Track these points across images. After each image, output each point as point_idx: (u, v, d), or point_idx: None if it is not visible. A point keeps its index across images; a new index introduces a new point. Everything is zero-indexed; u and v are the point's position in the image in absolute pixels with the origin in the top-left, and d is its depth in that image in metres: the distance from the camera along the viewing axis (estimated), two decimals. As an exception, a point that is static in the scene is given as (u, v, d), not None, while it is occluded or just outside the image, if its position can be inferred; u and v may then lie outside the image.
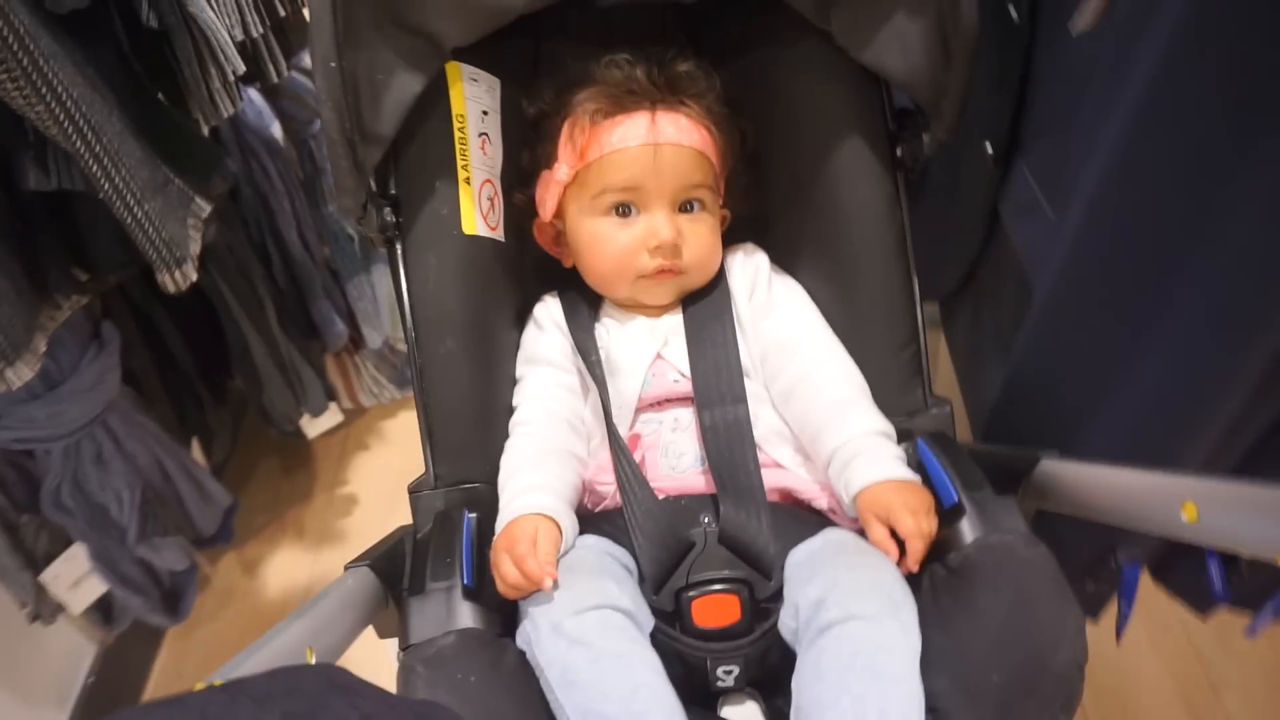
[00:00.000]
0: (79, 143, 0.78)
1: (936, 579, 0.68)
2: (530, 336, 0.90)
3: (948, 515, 0.70)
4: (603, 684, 0.63)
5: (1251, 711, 1.32)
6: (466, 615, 0.68)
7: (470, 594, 0.69)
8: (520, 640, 0.69)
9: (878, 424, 0.78)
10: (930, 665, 0.63)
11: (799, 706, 0.63)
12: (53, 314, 0.90)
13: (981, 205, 1.04)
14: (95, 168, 0.80)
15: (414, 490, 0.82)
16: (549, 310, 0.90)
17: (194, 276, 0.89)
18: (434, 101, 0.82)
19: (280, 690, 0.38)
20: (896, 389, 0.85)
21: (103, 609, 1.36)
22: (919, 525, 0.68)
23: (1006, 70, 0.92)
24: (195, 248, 0.91)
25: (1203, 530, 0.55)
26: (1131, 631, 1.41)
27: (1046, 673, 0.60)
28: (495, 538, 0.73)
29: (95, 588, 1.27)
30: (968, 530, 0.68)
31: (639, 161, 0.82)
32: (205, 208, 0.94)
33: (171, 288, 0.88)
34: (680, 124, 0.84)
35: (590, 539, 0.76)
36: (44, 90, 0.74)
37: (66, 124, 0.77)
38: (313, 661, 0.58)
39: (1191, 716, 1.33)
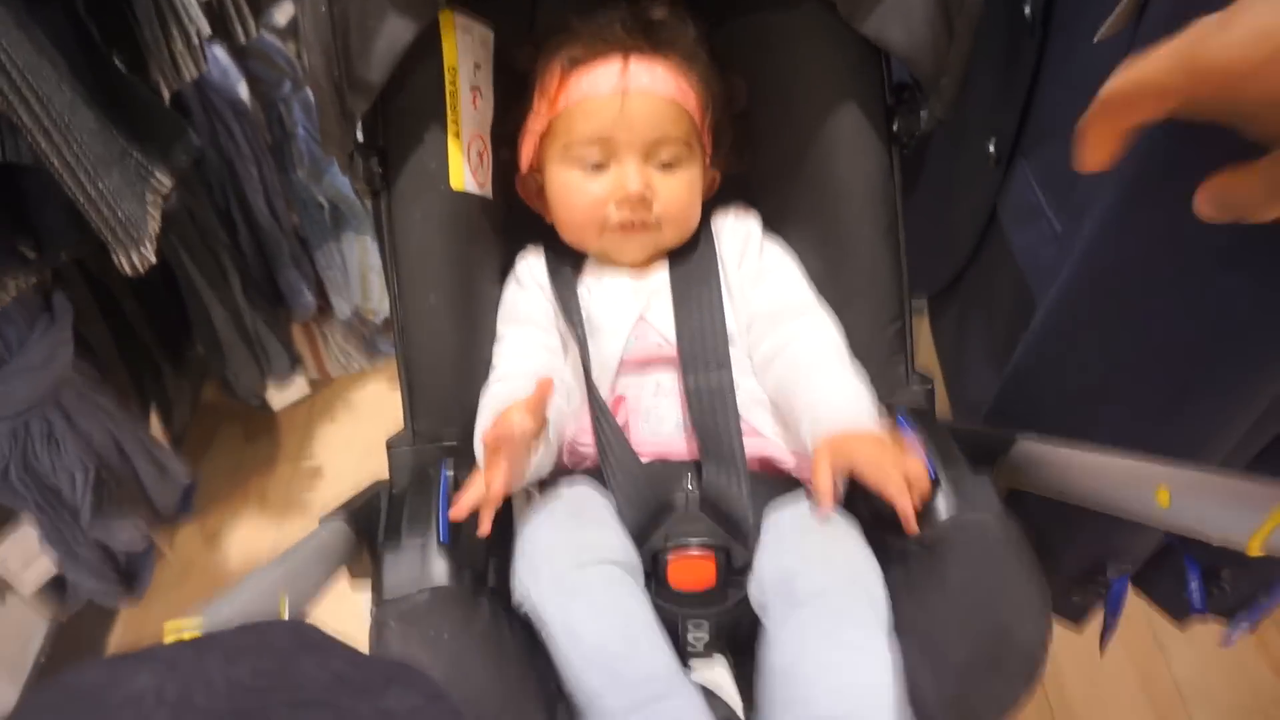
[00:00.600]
0: (25, 115, 0.72)
1: (910, 553, 0.69)
2: (511, 294, 0.89)
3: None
4: (605, 638, 0.64)
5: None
6: (441, 572, 0.67)
7: (445, 550, 0.69)
8: (519, 591, 0.69)
9: (855, 382, 0.78)
10: (899, 636, 0.65)
11: (768, 675, 0.64)
12: (-2, 294, 0.84)
13: (979, 205, 1.02)
14: (43, 142, 0.74)
15: (392, 445, 0.81)
16: (530, 267, 0.89)
17: (152, 258, 0.83)
18: (426, 52, 0.79)
19: (250, 646, 0.38)
20: (879, 364, 0.84)
21: (56, 588, 1.31)
22: (890, 471, 0.66)
23: (1015, 68, 0.88)
24: (154, 226, 0.85)
25: (1174, 515, 0.56)
26: (1097, 624, 1.44)
27: (1012, 648, 0.61)
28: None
29: (47, 568, 1.23)
30: (942, 506, 0.68)
31: (608, 110, 0.80)
32: (166, 183, 0.88)
33: (128, 269, 0.82)
34: (655, 72, 0.81)
35: (577, 483, 0.77)
36: (-15, 58, 0.68)
37: (11, 94, 0.71)
38: (286, 612, 0.58)
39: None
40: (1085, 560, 0.87)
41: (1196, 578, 0.88)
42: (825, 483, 0.69)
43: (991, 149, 0.95)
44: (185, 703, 0.33)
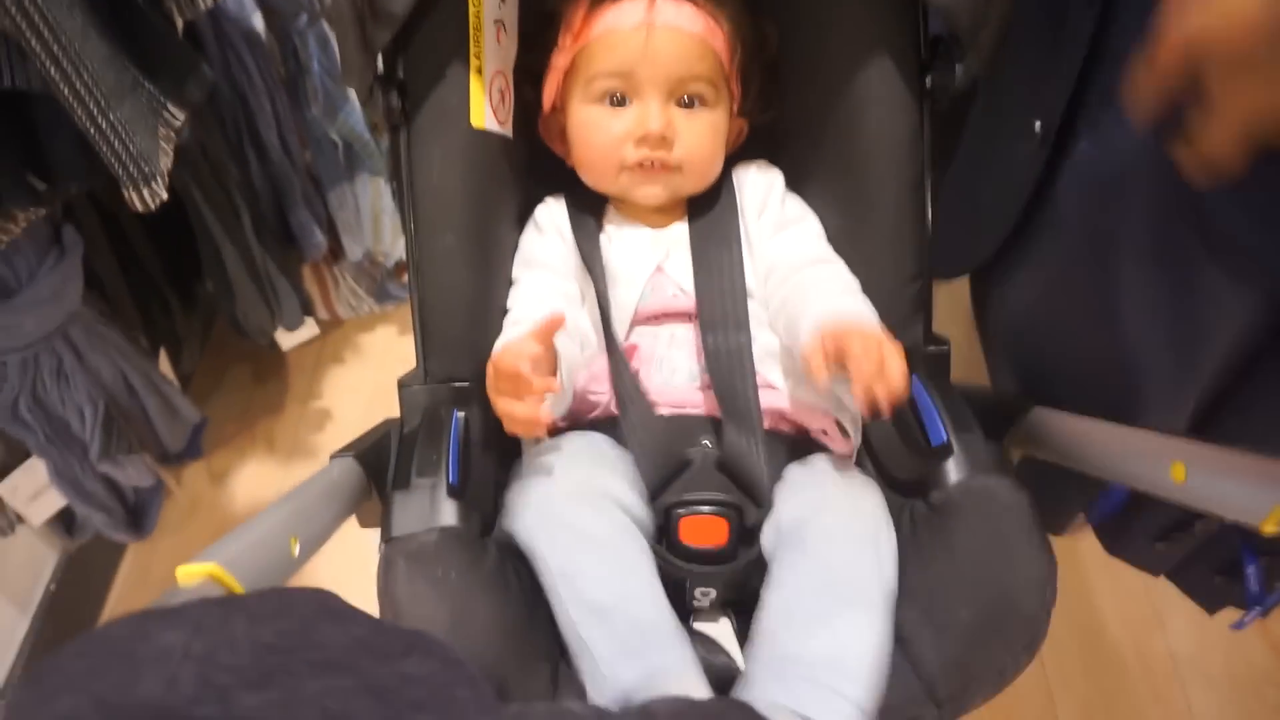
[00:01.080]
0: (34, 41, 0.69)
1: (917, 515, 0.71)
2: (530, 239, 0.88)
3: (935, 453, 0.72)
4: (598, 573, 0.65)
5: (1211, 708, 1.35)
6: (449, 513, 0.68)
7: (454, 492, 0.70)
8: (517, 526, 0.70)
9: (861, 298, 0.78)
10: (903, 597, 0.66)
11: (767, 616, 0.65)
12: (5, 226, 0.82)
13: (1021, 187, 0.97)
14: (53, 69, 0.71)
15: (404, 384, 0.81)
16: (551, 213, 0.88)
17: (164, 195, 0.81)
18: None
19: (273, 610, 0.39)
20: (898, 323, 0.83)
21: (64, 520, 1.32)
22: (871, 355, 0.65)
23: (1066, 40, 0.83)
24: (167, 162, 0.83)
25: (1189, 490, 0.56)
26: (1097, 597, 1.44)
27: (1014, 614, 0.62)
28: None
29: (55, 500, 1.23)
30: (953, 470, 0.70)
31: (631, 43, 0.79)
32: (178, 117, 0.86)
33: (139, 206, 0.80)
34: (683, 9, 0.80)
35: (591, 434, 0.77)
36: (-8, -22, 0.65)
37: (19, 18, 0.68)
38: (296, 550, 0.59)
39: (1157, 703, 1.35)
40: (1231, 547, 0.88)
41: (1256, 568, 0.87)
42: (817, 360, 0.68)
43: (1038, 129, 0.88)
44: (210, 659, 0.34)
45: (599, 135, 0.82)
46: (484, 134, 0.81)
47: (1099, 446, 0.67)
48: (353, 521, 0.74)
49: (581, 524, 0.67)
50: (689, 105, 0.81)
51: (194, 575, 0.50)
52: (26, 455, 1.17)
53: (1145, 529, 0.91)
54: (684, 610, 0.72)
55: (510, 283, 0.87)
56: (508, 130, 0.85)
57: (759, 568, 0.72)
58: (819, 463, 0.76)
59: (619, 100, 0.81)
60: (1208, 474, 0.56)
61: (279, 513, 0.61)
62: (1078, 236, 0.84)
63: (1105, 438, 0.66)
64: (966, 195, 0.98)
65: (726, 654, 0.69)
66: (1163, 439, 0.60)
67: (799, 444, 0.79)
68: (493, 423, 0.82)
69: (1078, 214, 0.83)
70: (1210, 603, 0.92)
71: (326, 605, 0.42)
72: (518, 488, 0.72)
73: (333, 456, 0.73)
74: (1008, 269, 0.96)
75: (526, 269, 0.86)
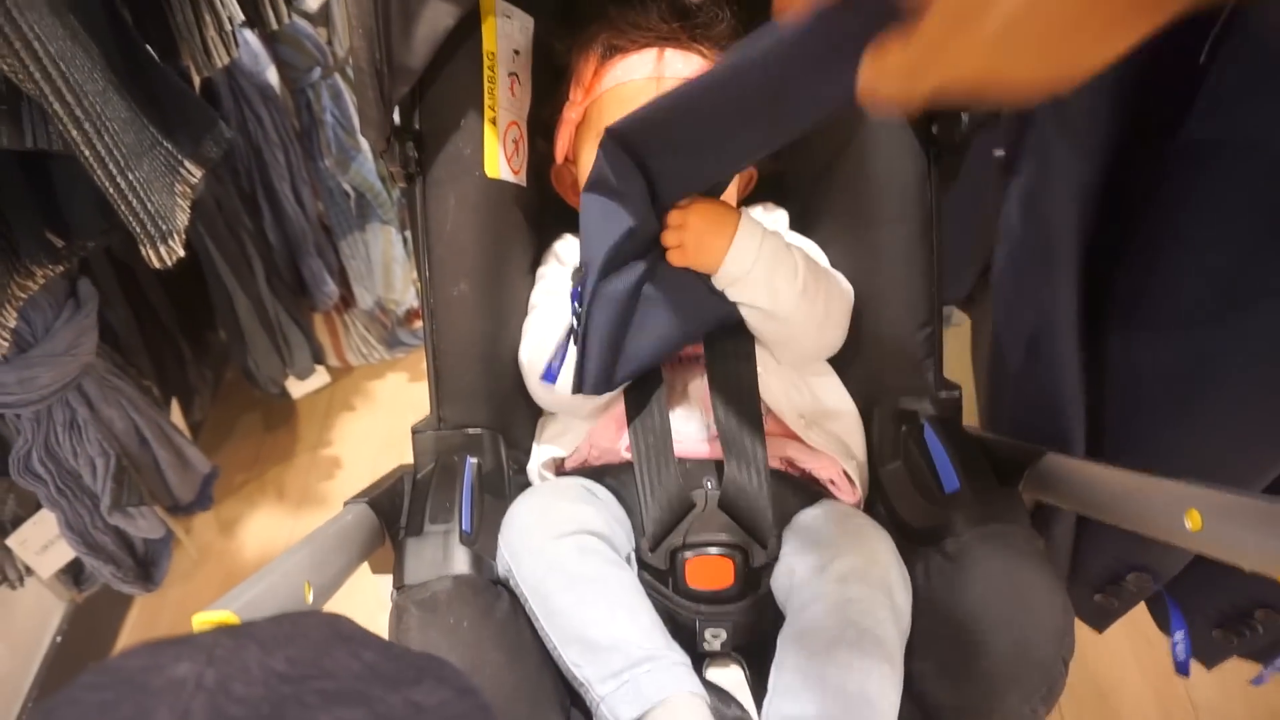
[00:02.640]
0: (57, 104, 0.70)
1: (932, 564, 0.69)
2: (553, 270, 0.88)
3: (948, 501, 0.71)
4: (581, 609, 0.64)
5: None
6: (462, 560, 0.68)
7: (467, 540, 0.70)
8: (500, 569, 0.70)
9: None
10: (917, 647, 0.65)
11: (780, 665, 0.64)
12: (24, 283, 0.83)
13: (995, 212, 1.00)
14: (75, 132, 0.72)
15: (417, 430, 0.82)
16: (572, 248, 0.89)
17: (180, 251, 0.82)
18: (465, 36, 0.79)
19: (285, 636, 0.38)
20: (909, 368, 0.84)
21: (72, 571, 1.31)
22: None
23: None
24: (184, 218, 0.84)
25: (1205, 539, 0.55)
26: (1115, 645, 1.42)
27: (1032, 664, 0.61)
28: None
29: (65, 551, 1.22)
30: (967, 518, 0.69)
31: (642, 97, 0.78)
32: (195, 174, 0.87)
33: (156, 263, 0.81)
34: (691, 60, 0.82)
35: (575, 477, 0.78)
36: (17, 44, 0.66)
37: (44, 83, 0.69)
38: (310, 596, 0.59)
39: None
40: (1108, 560, 0.86)
41: (1184, 636, 0.86)
42: None
43: (998, 153, 0.93)
44: (223, 689, 0.34)
45: None
46: (498, 183, 0.82)
47: (1112, 493, 0.66)
48: (364, 568, 0.73)
49: (570, 564, 0.67)
50: None
51: (209, 624, 0.50)
52: (37, 507, 1.17)
53: (1085, 575, 0.90)
54: (695, 654, 0.71)
55: (523, 328, 0.87)
56: (521, 179, 0.86)
57: (769, 609, 0.72)
58: (830, 509, 0.75)
59: None
60: (1225, 521, 0.55)
61: (293, 559, 0.60)
62: (1026, 255, 0.86)
63: (1119, 484, 0.65)
64: (961, 224, 1.00)
65: (739, 705, 0.69)
66: (1177, 485, 0.58)
67: (807, 491, 0.79)
68: (505, 469, 0.82)
69: (1022, 233, 0.85)
70: (1209, 657, 0.90)
71: (338, 629, 0.41)
72: (506, 532, 0.72)
73: (346, 503, 0.73)
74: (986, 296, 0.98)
75: (548, 296, 0.87)
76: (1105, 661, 1.41)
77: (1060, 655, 0.61)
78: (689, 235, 0.72)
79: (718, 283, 0.76)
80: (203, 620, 0.50)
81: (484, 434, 0.82)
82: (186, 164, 0.87)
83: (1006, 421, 0.95)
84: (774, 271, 0.76)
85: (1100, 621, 0.93)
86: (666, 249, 0.73)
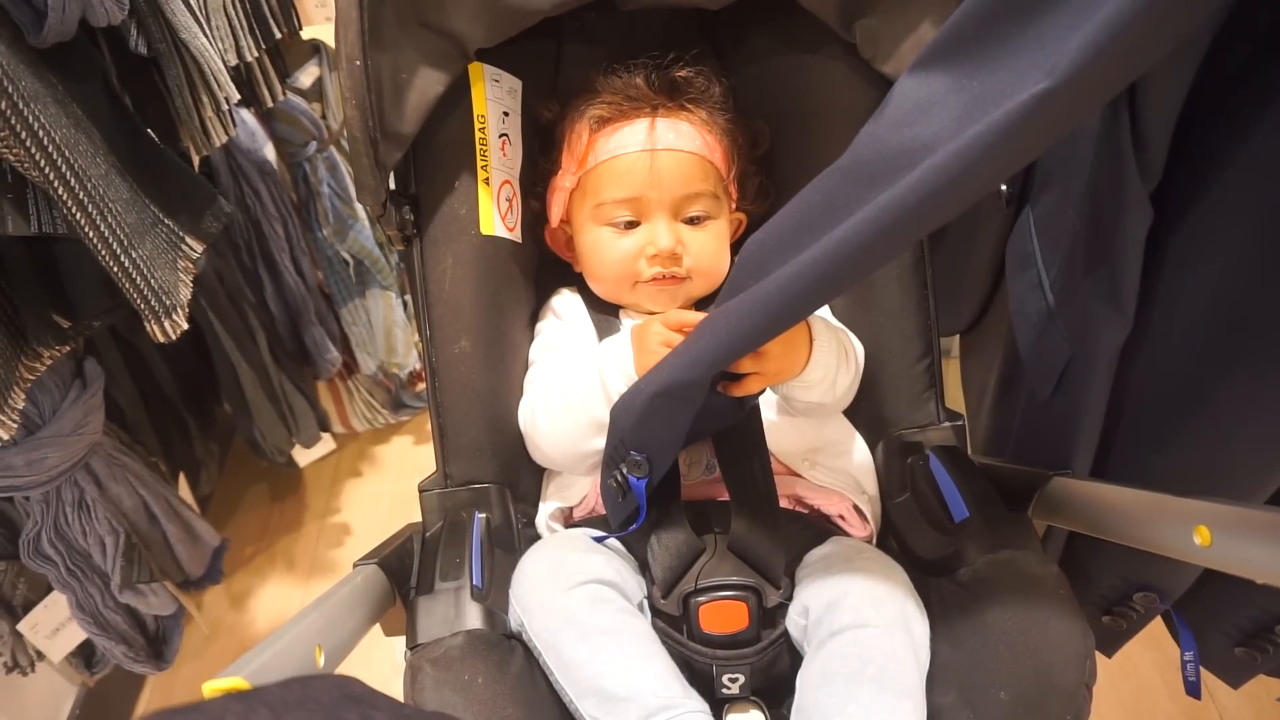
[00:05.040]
0: (62, 190, 0.72)
1: (946, 594, 0.69)
2: (549, 325, 0.90)
3: (959, 530, 0.71)
4: (596, 661, 0.63)
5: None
6: (474, 616, 0.68)
7: (479, 595, 0.70)
8: (513, 623, 0.69)
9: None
10: (938, 679, 0.64)
11: (801, 706, 0.63)
12: (32, 365, 0.84)
13: (994, 245, 1.01)
14: (79, 214, 0.74)
15: (424, 489, 0.82)
16: (568, 303, 0.90)
17: (184, 325, 0.83)
18: (456, 101, 0.82)
19: (295, 700, 0.38)
20: (910, 401, 0.85)
21: (84, 653, 1.30)
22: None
23: None
24: (186, 293, 0.86)
25: (1215, 554, 0.55)
26: (1144, 671, 1.39)
27: (1054, 691, 0.60)
28: None
29: (76, 634, 1.21)
30: (978, 546, 0.69)
31: (636, 168, 0.82)
32: (197, 249, 0.89)
33: (160, 338, 0.82)
34: (681, 129, 0.83)
35: (581, 529, 0.78)
36: (24, 135, 0.69)
37: (48, 170, 0.71)
38: (321, 659, 0.58)
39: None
40: (1114, 580, 0.85)
41: (1192, 650, 0.85)
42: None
43: (1003, 187, 0.95)
44: None
45: (612, 254, 0.85)
46: (494, 240, 0.84)
47: (1121, 513, 0.66)
48: (376, 631, 0.73)
49: (583, 615, 0.66)
50: (693, 219, 0.84)
51: (219, 690, 0.50)
52: (47, 590, 1.16)
53: (1091, 597, 0.89)
54: (714, 700, 0.70)
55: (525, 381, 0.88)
56: (517, 236, 0.87)
57: (787, 651, 0.71)
58: (841, 546, 0.75)
59: (628, 222, 0.84)
60: (1234, 536, 0.54)
61: (303, 622, 0.60)
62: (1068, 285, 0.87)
63: (1127, 504, 0.65)
64: (955, 257, 1.01)
65: None
66: (1185, 502, 0.58)
67: (817, 528, 0.79)
68: (514, 523, 0.82)
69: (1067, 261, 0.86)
70: (1233, 676, 0.88)
71: (347, 691, 0.41)
72: (517, 586, 0.71)
73: (356, 564, 0.73)
74: (989, 328, 0.98)
75: (546, 351, 0.87)
76: (1134, 687, 1.38)
77: (1083, 681, 0.60)
78: (769, 364, 0.72)
79: (782, 389, 0.79)
80: (213, 688, 0.50)
81: (491, 489, 0.82)
82: (188, 240, 0.89)
83: (1012, 447, 0.95)
84: (838, 365, 0.78)
85: (1108, 646, 0.92)
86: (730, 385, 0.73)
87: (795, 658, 0.70)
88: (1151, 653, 1.42)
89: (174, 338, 0.83)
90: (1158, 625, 0.96)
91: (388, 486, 1.86)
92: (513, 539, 0.82)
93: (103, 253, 0.76)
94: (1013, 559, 0.67)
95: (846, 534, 0.80)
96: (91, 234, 0.75)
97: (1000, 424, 1.03)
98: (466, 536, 0.75)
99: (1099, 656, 0.63)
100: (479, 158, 0.83)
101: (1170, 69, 0.58)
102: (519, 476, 0.86)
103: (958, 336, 1.29)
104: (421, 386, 1.86)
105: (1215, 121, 0.59)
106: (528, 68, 0.88)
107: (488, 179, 0.83)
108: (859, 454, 0.85)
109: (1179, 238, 0.65)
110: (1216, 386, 0.67)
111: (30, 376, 0.84)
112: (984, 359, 1.14)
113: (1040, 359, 0.85)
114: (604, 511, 0.81)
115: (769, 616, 0.71)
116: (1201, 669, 0.87)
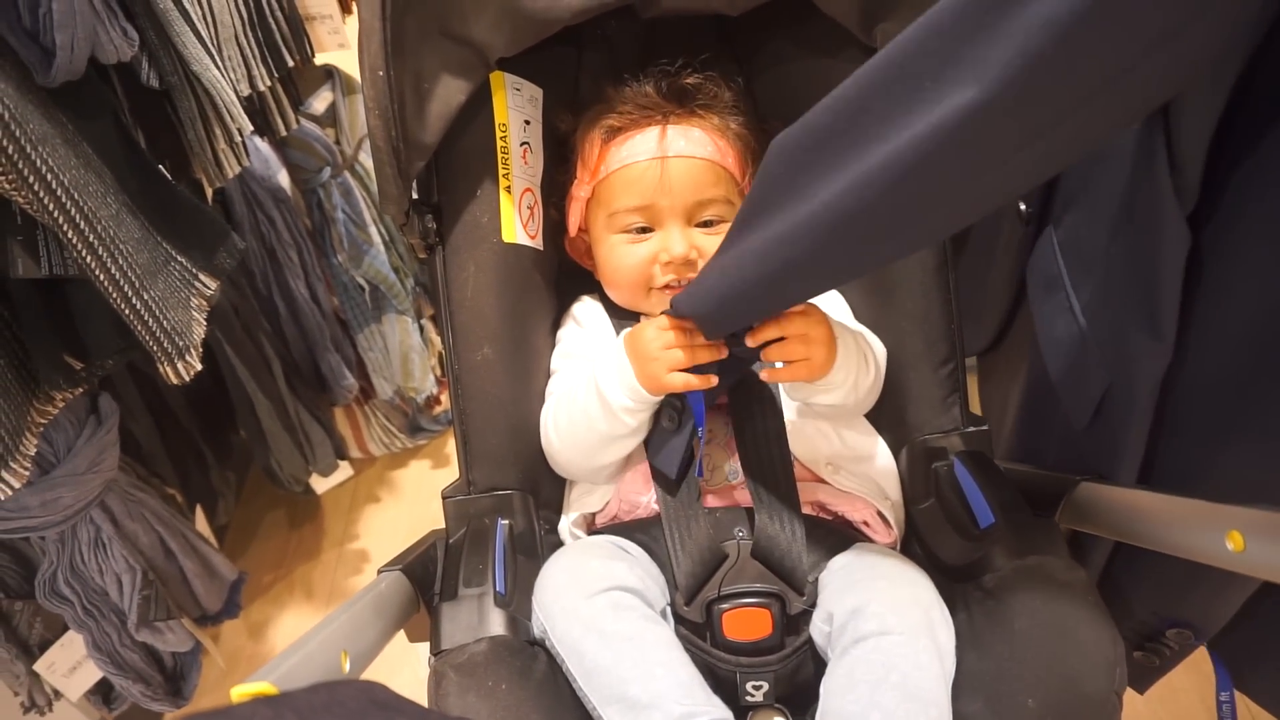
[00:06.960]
0: (71, 233, 0.71)
1: (972, 600, 0.68)
2: (570, 332, 0.90)
3: (984, 535, 0.70)
4: (619, 668, 0.63)
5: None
6: (498, 622, 0.68)
7: (502, 601, 0.70)
8: (536, 629, 0.70)
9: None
10: (964, 687, 0.63)
11: (825, 713, 0.63)
12: (44, 409, 0.83)
13: (1013, 265, 1.00)
14: (89, 257, 0.73)
15: (447, 496, 0.82)
16: (589, 310, 0.90)
17: (198, 366, 0.82)
18: (478, 110, 0.82)
19: (322, 705, 0.39)
20: (935, 406, 0.84)
21: (101, 691, 1.28)
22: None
23: None
24: (200, 332, 0.84)
25: (1248, 559, 0.54)
26: (1185, 700, 1.35)
27: (1083, 698, 0.59)
28: None
29: (93, 672, 1.20)
30: (1004, 552, 0.68)
31: (648, 177, 0.82)
32: (210, 286, 0.87)
33: (174, 379, 0.81)
34: (692, 136, 0.83)
35: (606, 535, 0.78)
36: (32, 179, 0.67)
37: (57, 213, 0.70)
38: (347, 666, 0.59)
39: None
40: (1148, 615, 0.83)
41: (1228, 690, 0.82)
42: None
43: (1022, 206, 0.94)
44: None
45: (627, 261, 0.85)
46: (515, 248, 0.84)
47: (1151, 518, 0.65)
48: (401, 638, 0.73)
49: (605, 622, 0.66)
50: (708, 224, 0.84)
51: (247, 695, 0.50)
52: (63, 628, 1.15)
53: (1122, 632, 0.87)
54: (737, 707, 0.70)
55: (547, 385, 0.88)
56: (538, 243, 0.87)
57: (811, 658, 0.71)
58: (865, 552, 0.74)
59: (642, 228, 0.84)
60: (1267, 541, 0.53)
61: (329, 628, 0.60)
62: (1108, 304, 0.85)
63: (1157, 509, 0.64)
64: (971, 277, 0.99)
65: None
66: (1217, 507, 0.57)
67: (841, 534, 0.78)
68: (536, 529, 0.82)
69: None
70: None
71: (373, 696, 0.41)
72: (539, 593, 0.71)
73: (380, 570, 0.74)
74: (1009, 349, 0.94)
75: (567, 360, 0.88)
76: (1167, 699, 1.34)
77: (1112, 689, 0.59)
78: (816, 350, 0.73)
79: (798, 392, 0.79)
80: (241, 693, 0.50)
81: (514, 495, 0.82)
82: (201, 277, 0.87)
83: (1050, 455, 0.92)
84: (858, 367, 0.78)
85: (1140, 683, 0.89)
86: (765, 366, 0.75)
87: (819, 665, 0.69)
88: (1193, 678, 1.37)
89: (187, 379, 0.82)
90: (1202, 653, 0.93)
91: (406, 511, 1.83)
92: (535, 545, 0.82)
93: (114, 295, 0.75)
94: (1040, 565, 0.66)
95: (870, 540, 0.79)
96: (102, 276, 0.73)
97: (1026, 446, 1.01)
98: (489, 543, 0.75)
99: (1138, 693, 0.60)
100: (500, 166, 0.83)
101: (1204, 89, 0.56)
102: (541, 483, 0.86)
103: (975, 358, 1.26)
104: (439, 410, 1.84)
105: (1249, 141, 0.58)
106: (549, 76, 0.88)
107: (509, 187, 0.84)
108: (882, 459, 0.84)
109: (1214, 259, 0.63)
110: (1259, 406, 0.64)
111: (42, 420, 0.83)
112: (1004, 381, 1.12)
113: (1075, 386, 0.83)
114: (626, 517, 0.81)
115: (793, 623, 0.71)
116: (1246, 701, 0.84)
